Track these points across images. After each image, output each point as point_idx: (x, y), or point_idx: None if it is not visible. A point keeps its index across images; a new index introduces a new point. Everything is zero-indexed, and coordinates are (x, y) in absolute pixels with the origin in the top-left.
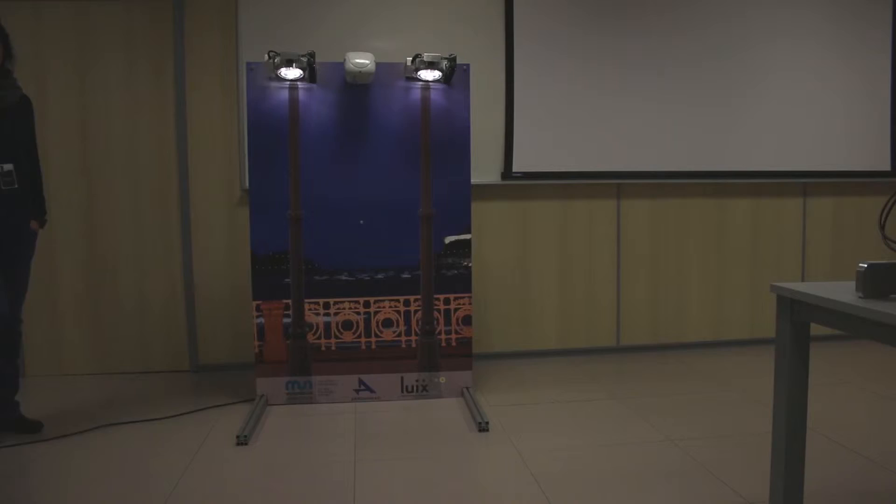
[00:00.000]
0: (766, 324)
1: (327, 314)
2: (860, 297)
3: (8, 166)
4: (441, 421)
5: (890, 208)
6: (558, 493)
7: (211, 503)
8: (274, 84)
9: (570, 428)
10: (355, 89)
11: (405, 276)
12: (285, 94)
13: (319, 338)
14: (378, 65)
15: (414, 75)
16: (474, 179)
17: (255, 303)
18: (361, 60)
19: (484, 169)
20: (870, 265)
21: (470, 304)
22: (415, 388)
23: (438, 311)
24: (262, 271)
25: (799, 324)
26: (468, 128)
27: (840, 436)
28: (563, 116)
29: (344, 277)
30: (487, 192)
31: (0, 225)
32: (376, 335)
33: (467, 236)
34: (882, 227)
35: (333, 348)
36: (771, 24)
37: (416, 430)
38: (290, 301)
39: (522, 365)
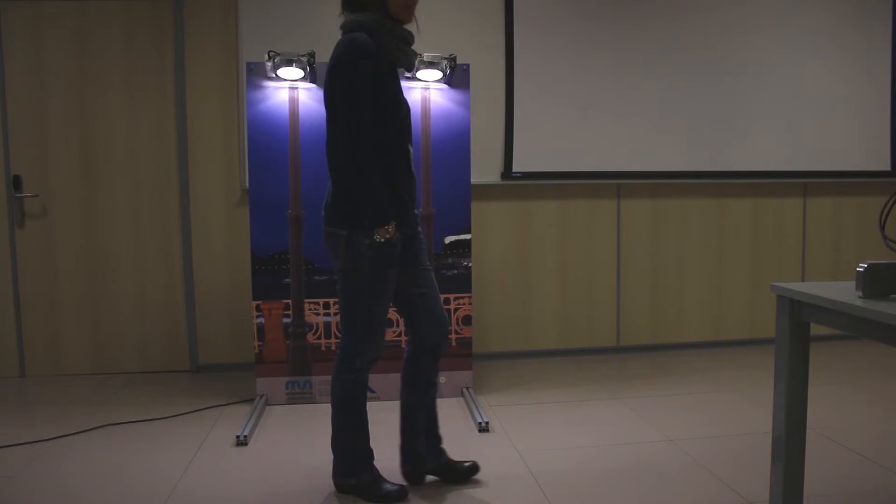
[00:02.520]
0: (766, 324)
1: (327, 314)
2: (860, 297)
3: (411, 148)
4: (441, 421)
5: (890, 208)
6: (558, 492)
7: (211, 503)
8: (274, 84)
9: (570, 428)
10: None
11: None
12: (285, 94)
13: (319, 338)
14: None
15: (414, 75)
16: (474, 179)
17: (255, 303)
18: None
19: (484, 169)
20: (870, 265)
21: (470, 304)
22: None
23: None
24: (262, 271)
25: (799, 324)
26: (468, 128)
27: (840, 436)
28: (563, 116)
29: None
30: (487, 192)
31: (413, 221)
32: None
33: (467, 236)
34: (882, 227)
35: (333, 348)
36: (772, 24)
37: None
38: (290, 301)
39: (522, 365)
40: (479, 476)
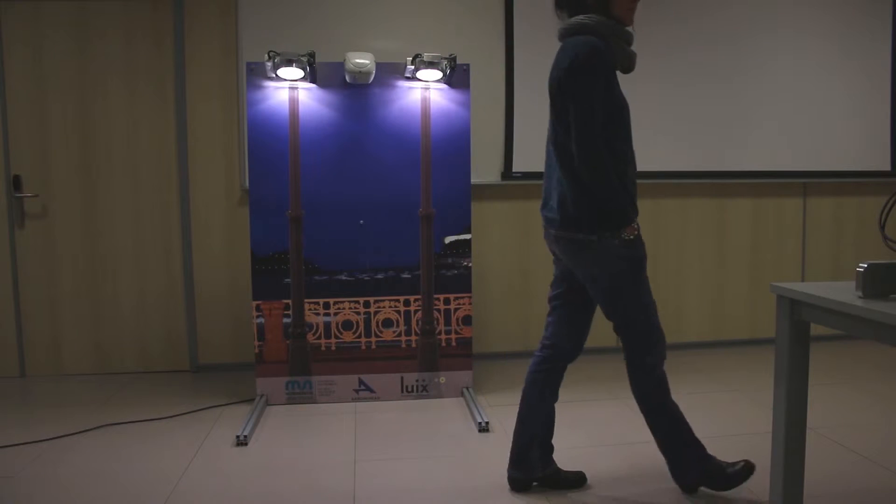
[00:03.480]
0: (766, 324)
1: (327, 314)
2: (860, 297)
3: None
4: (441, 421)
5: (890, 208)
6: (558, 492)
7: (211, 503)
8: (274, 84)
9: (570, 428)
10: (355, 89)
11: (405, 276)
12: (285, 94)
13: (319, 338)
14: (378, 65)
15: (414, 75)
16: (474, 179)
17: (254, 303)
18: (361, 60)
19: (484, 169)
20: (870, 265)
21: (470, 304)
22: (415, 388)
23: (438, 311)
24: (262, 271)
25: (799, 324)
26: (468, 128)
27: (840, 436)
28: None
29: (344, 277)
30: (487, 192)
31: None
32: (376, 335)
33: (467, 236)
34: (882, 227)
35: (333, 348)
36: (772, 24)
37: (416, 430)
38: (290, 301)
39: (522, 365)
40: (479, 476)
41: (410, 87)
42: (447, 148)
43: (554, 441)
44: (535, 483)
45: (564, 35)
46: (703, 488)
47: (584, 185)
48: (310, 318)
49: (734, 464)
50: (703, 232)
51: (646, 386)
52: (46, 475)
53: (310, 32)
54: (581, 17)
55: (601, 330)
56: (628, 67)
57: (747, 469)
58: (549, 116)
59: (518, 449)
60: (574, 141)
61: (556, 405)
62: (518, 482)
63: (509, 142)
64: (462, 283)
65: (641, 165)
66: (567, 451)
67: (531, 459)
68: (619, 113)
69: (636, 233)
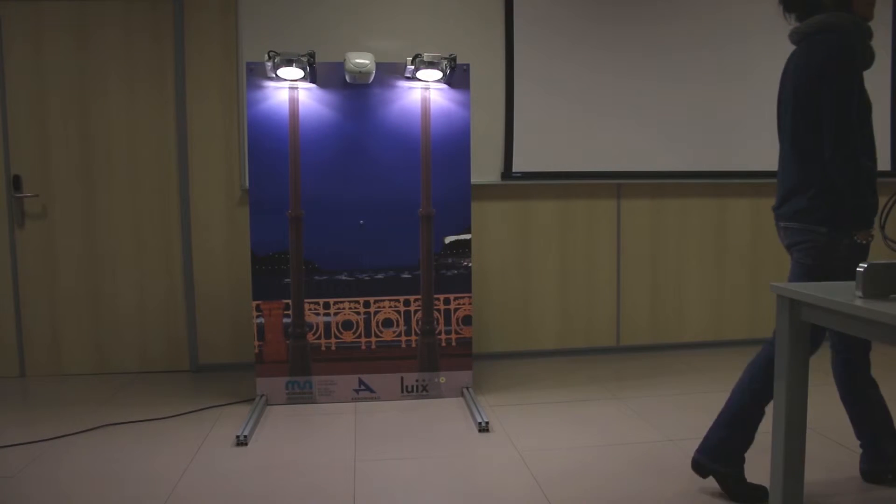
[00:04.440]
0: (766, 324)
1: (327, 314)
2: (860, 297)
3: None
4: (441, 421)
5: (890, 208)
6: (558, 493)
7: (211, 503)
8: (274, 84)
9: (570, 428)
10: (355, 89)
11: (405, 276)
12: (285, 94)
13: (319, 338)
14: (378, 65)
15: (414, 75)
16: (474, 179)
17: (255, 303)
18: (361, 60)
19: (484, 169)
20: (870, 265)
21: (470, 304)
22: (415, 388)
23: (438, 311)
24: (262, 271)
25: (799, 324)
26: (468, 128)
27: (840, 436)
28: (563, 116)
29: (344, 277)
30: (487, 192)
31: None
32: (376, 335)
33: (467, 236)
34: (882, 227)
35: (333, 348)
36: (773, 22)
37: (416, 430)
38: (290, 301)
39: (522, 365)
40: (479, 476)
41: (410, 87)
42: (447, 148)
43: (555, 440)
44: (889, 475)
45: (804, 35)
46: (704, 488)
47: (825, 181)
48: (310, 318)
49: (757, 485)
50: (703, 232)
51: (760, 368)
52: (46, 475)
53: (310, 32)
54: (824, 15)
55: (601, 330)
56: (869, 63)
57: (759, 492)
58: (784, 113)
59: (869, 440)
60: (831, 137)
61: (557, 405)
62: (869, 474)
63: (509, 142)
64: (462, 283)
65: (641, 165)
66: (567, 451)
67: (885, 451)
68: (867, 111)
69: (870, 240)
